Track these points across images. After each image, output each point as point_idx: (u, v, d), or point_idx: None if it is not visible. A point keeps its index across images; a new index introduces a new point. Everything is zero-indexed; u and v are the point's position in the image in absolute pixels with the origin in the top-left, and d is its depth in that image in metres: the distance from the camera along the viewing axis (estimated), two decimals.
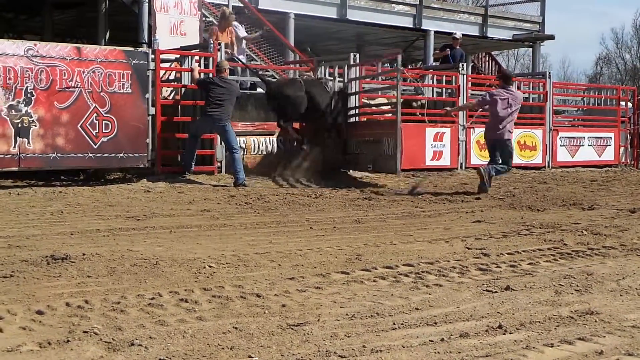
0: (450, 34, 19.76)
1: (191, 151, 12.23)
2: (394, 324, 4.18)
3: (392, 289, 5.12)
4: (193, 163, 12.29)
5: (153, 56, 12.24)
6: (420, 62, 24.19)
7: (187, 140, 12.29)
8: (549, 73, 18.90)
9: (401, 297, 4.85)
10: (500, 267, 5.94)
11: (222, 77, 12.19)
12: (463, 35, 20.19)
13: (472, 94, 17.38)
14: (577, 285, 5.22)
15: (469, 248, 6.77)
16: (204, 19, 15.22)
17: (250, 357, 3.56)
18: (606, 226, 8.16)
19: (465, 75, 16.54)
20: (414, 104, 15.83)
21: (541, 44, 25.21)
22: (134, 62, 11.89)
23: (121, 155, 11.73)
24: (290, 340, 3.83)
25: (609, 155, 19.04)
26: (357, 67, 15.14)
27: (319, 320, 4.22)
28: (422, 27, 21.80)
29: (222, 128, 12.05)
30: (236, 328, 4.03)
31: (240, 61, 14.06)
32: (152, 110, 12.07)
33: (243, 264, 5.84)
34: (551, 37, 24.97)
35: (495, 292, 5.02)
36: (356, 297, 4.82)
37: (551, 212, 9.60)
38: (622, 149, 19.34)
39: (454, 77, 16.50)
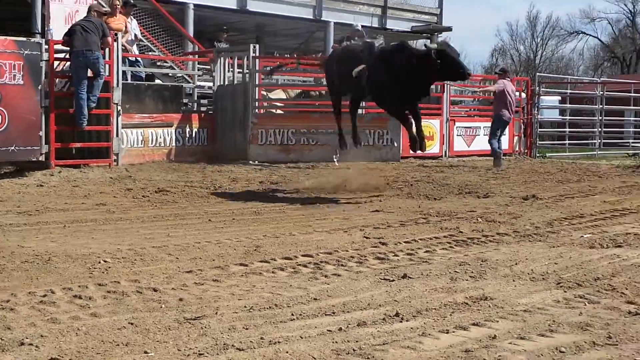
0: (350, 25, 19.88)
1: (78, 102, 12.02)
2: (292, 314, 4.17)
3: (290, 280, 5.11)
4: (83, 117, 12.06)
5: (47, 47, 11.85)
6: (321, 53, 24.26)
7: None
8: None
9: (300, 288, 4.84)
10: (398, 255, 6.00)
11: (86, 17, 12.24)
12: (363, 26, 20.37)
13: None
14: (472, 272, 5.32)
15: (367, 237, 6.82)
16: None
17: (146, 352, 3.49)
18: (500, 213, 8.36)
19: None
20: (312, 94, 15.95)
21: (439, 35, 25.64)
22: (26, 52, 11.47)
23: (12, 148, 11.33)
24: (188, 334, 3.77)
25: (503, 144, 19.53)
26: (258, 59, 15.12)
27: (216, 313, 4.17)
28: (322, 19, 21.85)
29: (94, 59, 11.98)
30: (132, 324, 3.94)
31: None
32: (45, 102, 11.70)
33: (140, 258, 5.72)
34: (449, 29, 25.43)
35: (393, 280, 5.07)
36: (254, 289, 4.78)
37: (448, 200, 9.79)
38: (516, 138, 19.88)
39: None
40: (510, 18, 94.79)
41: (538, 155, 20.23)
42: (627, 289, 4.76)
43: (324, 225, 7.60)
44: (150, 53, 15.56)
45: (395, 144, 16.06)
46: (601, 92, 21.93)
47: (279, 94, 16.59)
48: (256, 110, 15.13)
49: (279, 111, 16.13)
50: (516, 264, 5.65)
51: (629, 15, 74.72)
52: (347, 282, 5.04)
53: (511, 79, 18.05)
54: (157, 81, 15.10)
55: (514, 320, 4.10)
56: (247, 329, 3.88)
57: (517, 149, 19.91)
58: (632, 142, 24.34)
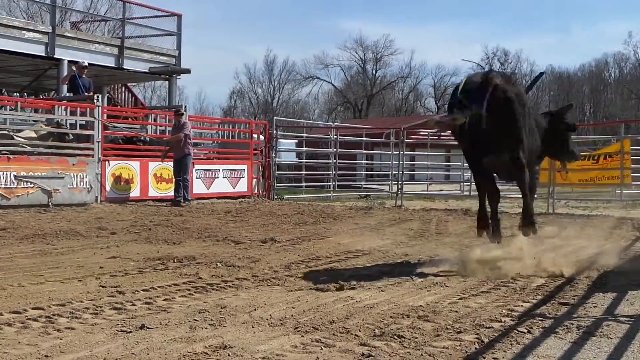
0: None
1: None
2: None
3: (19, 336, 4.73)
4: None
5: None
6: (54, 92, 23.34)
7: None
8: (185, 106, 19.31)
9: (29, 345, 4.50)
10: (136, 304, 5.79)
11: None
12: (98, 66, 19.90)
13: (110, 126, 17.24)
14: (212, 319, 5.24)
15: (103, 286, 6.53)
16: None
17: None
18: (239, 258, 8.38)
19: (100, 107, 16.28)
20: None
21: (177, 77, 25.63)
22: None
23: None
24: None
25: (242, 186, 19.85)
26: None
27: None
28: (55, 56, 21.03)
29: None
30: None
31: None
32: None
33: None
34: (187, 71, 25.49)
35: (130, 331, 4.86)
36: None
37: (187, 245, 9.68)
38: (254, 180, 20.26)
39: (88, 108, 16.20)
40: (249, 61, 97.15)
41: (276, 197, 20.72)
42: (360, 330, 4.91)
43: (57, 274, 7.18)
44: None
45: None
46: (335, 136, 22.97)
47: (29, 133, 15.70)
48: None
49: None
50: (255, 309, 5.65)
51: (360, 62, 79.59)
52: (81, 335, 4.76)
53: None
54: None
55: None
56: None
57: (255, 191, 20.27)
58: (364, 184, 25.75)
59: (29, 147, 15.35)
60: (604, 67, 78.46)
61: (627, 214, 14.38)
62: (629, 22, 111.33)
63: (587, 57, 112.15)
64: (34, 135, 15.73)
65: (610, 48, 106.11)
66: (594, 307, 5.70)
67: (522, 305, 5.77)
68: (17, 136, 15.40)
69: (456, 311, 5.52)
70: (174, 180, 16.95)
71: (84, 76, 18.35)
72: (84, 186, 15.55)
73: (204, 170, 18.92)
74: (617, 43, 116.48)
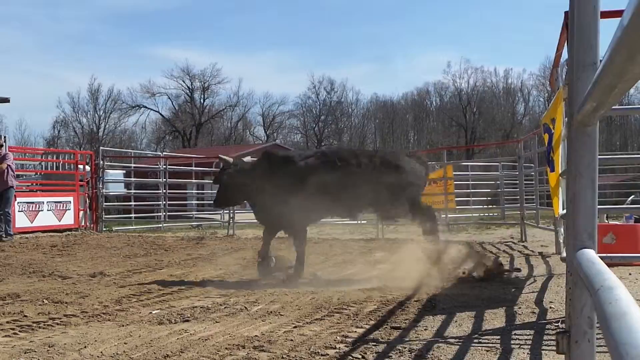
0: None
1: None
2: None
3: None
4: None
5: None
6: None
7: None
8: (5, 136, 18.50)
9: None
10: None
11: None
12: None
13: None
14: (39, 359, 5.02)
15: None
16: None
17: None
18: (67, 293, 8.07)
19: None
20: None
21: None
22: None
23: None
24: None
25: (69, 219, 19.19)
26: None
27: None
28: None
29: None
30: None
31: None
32: None
33: None
34: (6, 100, 24.46)
35: None
36: None
37: (10, 282, 9.22)
38: (81, 212, 19.64)
39: None
40: (72, 89, 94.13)
41: (105, 229, 20.17)
42: None
43: None
44: None
45: None
46: (165, 166, 22.68)
47: None
48: None
49: None
50: (85, 346, 5.45)
51: (188, 91, 79.22)
52: None
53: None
54: None
55: None
56: None
57: (83, 223, 19.65)
58: (196, 214, 25.52)
59: None
60: (426, 95, 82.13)
61: (452, 237, 15.02)
62: (448, 53, 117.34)
63: (410, 86, 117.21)
64: None
65: (431, 77, 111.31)
66: (425, 330, 5.90)
67: (355, 331, 5.88)
68: None
69: (292, 340, 5.55)
70: None
71: None
72: None
73: (27, 202, 18.14)
74: (437, 73, 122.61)
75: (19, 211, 17.51)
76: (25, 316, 6.72)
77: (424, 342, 5.38)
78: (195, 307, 7.21)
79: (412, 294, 7.75)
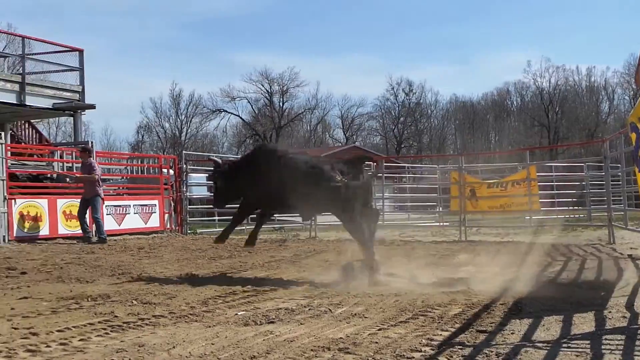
0: None
1: None
2: None
3: None
4: None
5: None
6: None
7: None
8: (92, 142, 19.01)
9: None
10: (51, 346, 5.62)
11: None
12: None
13: (12, 164, 16.87)
14: (130, 359, 5.14)
15: (15, 328, 6.31)
16: None
17: None
18: (155, 294, 8.24)
19: (4, 145, 15.88)
20: None
21: (82, 112, 25.16)
22: None
23: None
24: None
25: (154, 222, 19.61)
26: None
27: None
28: None
29: None
30: None
31: None
32: None
33: None
34: (92, 107, 25.04)
35: None
36: None
37: (101, 283, 9.47)
38: (166, 215, 20.03)
39: None
40: (154, 95, 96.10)
41: (189, 232, 20.52)
42: None
43: None
44: None
45: None
46: None
47: None
48: None
49: None
50: (174, 347, 5.55)
51: (267, 95, 79.91)
52: None
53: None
54: None
55: None
56: None
57: (168, 226, 20.04)
58: (278, 216, 25.67)
59: None
60: (506, 95, 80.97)
61: (537, 239, 14.77)
62: (527, 52, 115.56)
63: (489, 86, 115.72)
64: None
65: (510, 77, 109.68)
66: (512, 333, 5.81)
67: (441, 334, 5.84)
68: None
69: (376, 342, 5.54)
70: (78, 217, 16.49)
71: None
72: None
73: (115, 206, 18.61)
74: (517, 72, 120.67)
75: (107, 214, 17.97)
76: (116, 316, 6.89)
77: (511, 346, 5.30)
78: (280, 308, 7.26)
79: (498, 296, 7.64)
